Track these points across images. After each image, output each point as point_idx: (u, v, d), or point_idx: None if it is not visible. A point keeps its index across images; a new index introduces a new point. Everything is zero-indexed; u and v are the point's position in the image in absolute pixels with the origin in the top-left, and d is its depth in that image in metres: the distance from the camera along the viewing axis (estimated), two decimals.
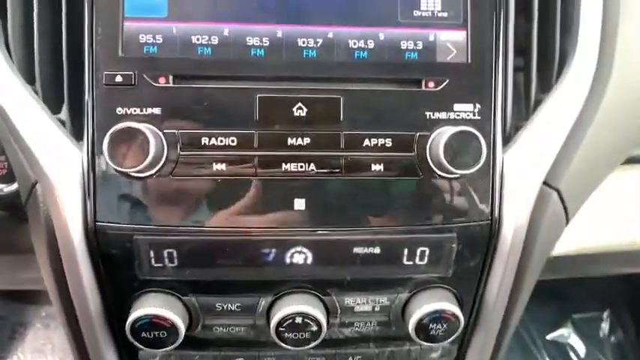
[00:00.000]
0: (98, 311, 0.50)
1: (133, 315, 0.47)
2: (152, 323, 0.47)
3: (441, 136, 0.46)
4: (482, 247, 0.50)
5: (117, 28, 0.47)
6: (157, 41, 0.47)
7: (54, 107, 0.50)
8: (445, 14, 0.49)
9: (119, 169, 0.44)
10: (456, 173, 0.46)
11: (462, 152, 0.45)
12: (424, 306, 0.50)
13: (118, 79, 0.46)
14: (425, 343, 0.51)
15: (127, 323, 0.47)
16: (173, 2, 0.47)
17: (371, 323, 0.53)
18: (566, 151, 0.51)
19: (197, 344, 0.53)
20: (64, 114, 0.50)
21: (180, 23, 0.47)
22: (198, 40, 0.47)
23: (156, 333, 0.48)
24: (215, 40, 0.47)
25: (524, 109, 0.54)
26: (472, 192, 0.49)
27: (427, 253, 0.50)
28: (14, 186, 0.57)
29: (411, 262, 0.50)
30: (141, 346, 0.49)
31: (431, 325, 0.50)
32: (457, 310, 0.50)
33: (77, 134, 0.49)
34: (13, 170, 0.54)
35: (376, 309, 0.52)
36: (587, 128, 0.52)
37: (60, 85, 0.50)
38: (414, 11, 0.49)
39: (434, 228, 0.49)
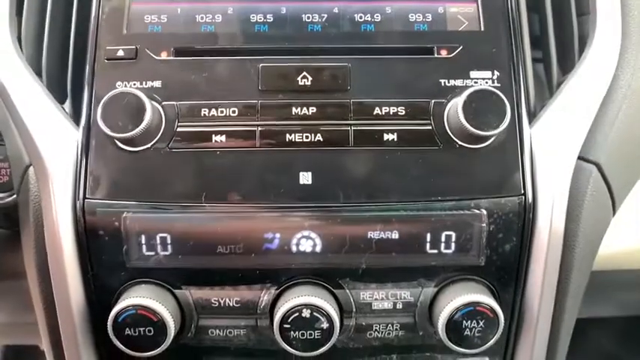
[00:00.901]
0: (80, 306, 0.44)
1: (117, 306, 0.41)
2: (138, 316, 0.41)
3: (460, 97, 0.42)
4: (517, 227, 0.43)
5: (123, 10, 0.47)
6: (162, 20, 0.47)
7: (58, 98, 0.49)
8: None
9: (112, 134, 0.41)
10: (480, 135, 0.41)
11: (484, 110, 0.41)
12: (456, 299, 0.42)
13: (120, 53, 0.45)
14: (459, 349, 0.43)
15: (110, 316, 0.41)
16: None
17: (393, 327, 0.45)
18: (600, 125, 0.46)
19: (188, 354, 0.46)
20: (67, 106, 0.50)
21: (184, 4, 0.47)
22: (202, 18, 0.47)
23: (141, 330, 0.41)
24: (219, 18, 0.47)
25: (547, 92, 0.51)
26: (499, 163, 0.44)
27: (453, 235, 0.43)
28: (14, 196, 0.55)
29: (435, 249, 0.44)
30: (123, 348, 0.42)
31: (465, 322, 0.42)
32: (495, 304, 0.42)
33: (78, 122, 0.47)
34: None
35: (398, 306, 0.45)
36: (621, 101, 0.47)
37: (65, 79, 0.50)
38: None
39: (457, 204, 0.43)
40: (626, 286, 0.74)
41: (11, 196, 0.57)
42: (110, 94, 0.42)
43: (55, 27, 0.51)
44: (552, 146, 0.46)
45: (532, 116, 0.48)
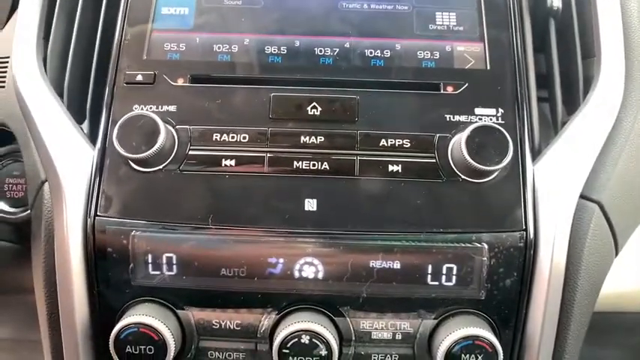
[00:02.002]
0: (84, 322, 0.45)
1: (120, 323, 0.42)
2: (140, 334, 0.41)
3: (463, 132, 0.43)
4: (518, 262, 0.44)
5: (144, 37, 0.49)
6: (181, 49, 0.49)
7: (77, 118, 0.51)
8: (461, 28, 0.50)
9: (126, 154, 0.42)
10: (482, 170, 0.42)
11: (486, 146, 0.42)
12: (455, 331, 0.42)
13: (139, 78, 0.48)
14: None
15: (112, 333, 0.42)
16: (199, 15, 0.50)
17: (391, 357, 0.45)
18: (603, 164, 0.47)
19: None
20: (85, 126, 0.52)
21: (203, 34, 0.50)
22: (219, 48, 0.49)
23: (142, 348, 0.42)
24: (235, 49, 0.49)
25: (553, 130, 0.52)
26: (501, 197, 0.44)
27: (454, 268, 0.44)
28: (28, 212, 0.56)
29: (436, 281, 0.44)
30: None
31: (464, 356, 0.42)
32: (494, 339, 0.42)
33: (95, 142, 0.49)
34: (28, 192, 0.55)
35: (397, 337, 0.45)
36: (624, 142, 0.48)
37: (85, 100, 0.52)
38: (430, 25, 0.50)
39: (459, 237, 0.44)
40: (630, 329, 0.73)
41: (25, 211, 0.59)
42: (126, 116, 0.43)
43: (78, 51, 0.53)
44: (555, 183, 0.46)
45: (536, 153, 0.49)
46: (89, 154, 0.47)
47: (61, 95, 0.52)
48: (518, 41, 0.50)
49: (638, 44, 0.52)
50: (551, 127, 0.53)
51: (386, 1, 0.51)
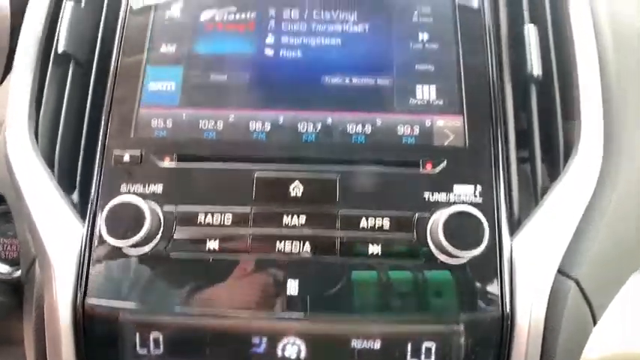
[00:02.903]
0: None
1: None
2: None
3: (441, 216, 0.45)
4: (495, 343, 0.45)
5: (132, 115, 0.51)
6: (167, 126, 0.50)
7: (67, 189, 0.53)
8: (441, 102, 0.51)
9: (113, 241, 0.44)
10: (458, 256, 0.44)
11: (462, 233, 0.43)
12: None
13: (126, 158, 0.49)
14: None
15: None
16: (185, 92, 0.51)
17: None
18: (580, 238, 0.48)
19: None
20: (75, 196, 0.53)
21: (189, 110, 0.51)
22: (205, 125, 0.50)
23: None
24: (220, 125, 0.50)
25: (533, 198, 0.53)
26: (478, 279, 0.45)
27: (433, 347, 0.45)
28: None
29: (415, 357, 0.45)
30: None
31: None
32: None
33: (84, 215, 0.50)
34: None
35: None
36: (602, 214, 0.49)
37: (75, 169, 0.53)
38: (410, 99, 0.51)
39: (437, 319, 0.45)
40: None
41: (18, 270, 0.60)
42: (112, 203, 0.45)
43: (69, 120, 0.54)
44: (533, 259, 0.47)
45: (515, 225, 0.50)
46: (78, 231, 0.48)
47: (52, 164, 0.53)
48: (498, 114, 0.51)
49: (618, 113, 0.53)
50: (532, 192, 0.54)
51: (367, 74, 0.52)
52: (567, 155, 0.53)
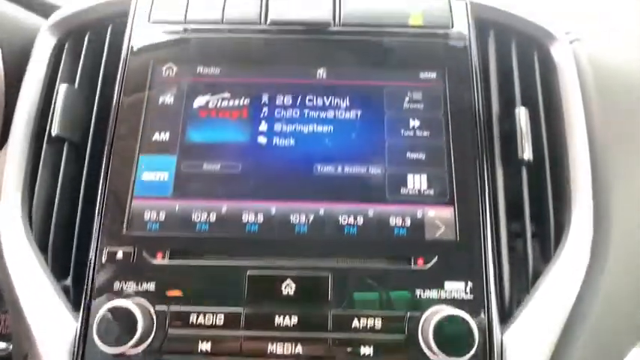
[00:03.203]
0: None
1: None
2: None
3: (432, 317, 0.45)
4: None
5: (125, 207, 0.51)
6: (160, 218, 0.51)
7: (61, 275, 0.53)
8: (432, 192, 0.51)
9: (105, 348, 0.44)
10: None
11: (453, 339, 0.43)
12: None
13: (119, 255, 0.49)
14: None
15: None
16: (177, 182, 0.52)
17: None
18: (570, 330, 0.48)
19: None
20: (69, 281, 0.53)
21: (182, 201, 0.51)
22: (197, 217, 0.51)
23: None
24: (213, 217, 0.51)
25: (525, 279, 0.53)
26: None
27: None
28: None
29: None
30: None
31: None
32: None
33: (77, 304, 0.50)
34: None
35: None
36: (590, 305, 0.50)
37: (69, 256, 0.53)
38: (402, 189, 0.51)
39: None
40: None
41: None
42: (104, 309, 0.45)
43: (63, 206, 0.55)
44: (523, 354, 0.48)
45: (507, 314, 0.50)
46: (71, 327, 0.48)
47: (45, 248, 0.53)
48: (489, 203, 0.52)
49: (608, 190, 0.54)
50: (524, 272, 0.54)
51: (359, 163, 0.52)
52: (558, 234, 0.53)
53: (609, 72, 0.60)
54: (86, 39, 0.61)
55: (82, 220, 0.54)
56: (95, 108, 0.57)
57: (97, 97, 0.57)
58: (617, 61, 0.61)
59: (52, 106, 0.57)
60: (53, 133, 0.56)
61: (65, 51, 0.61)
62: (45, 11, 0.69)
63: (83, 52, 0.60)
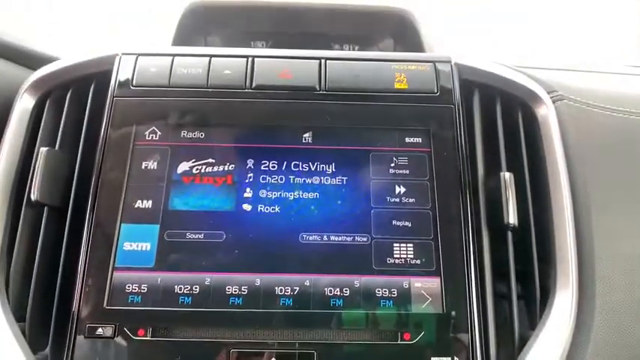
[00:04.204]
0: None
1: None
2: None
3: None
4: None
5: (105, 280, 0.50)
6: (142, 291, 0.50)
7: (39, 345, 0.51)
8: (418, 261, 0.51)
9: None
10: None
11: None
12: None
13: (99, 331, 0.48)
14: None
15: None
16: (160, 253, 0.51)
17: None
18: None
19: None
20: (47, 351, 0.51)
21: (165, 273, 0.50)
22: (180, 289, 0.50)
23: None
24: (196, 289, 0.50)
25: (511, 345, 0.53)
26: None
27: None
28: None
29: None
30: None
31: None
32: None
33: None
34: None
35: None
36: None
37: (47, 326, 0.52)
38: (388, 259, 0.51)
39: None
40: None
41: None
42: None
43: (42, 270, 0.53)
44: None
45: None
46: None
47: (22, 319, 0.52)
48: (475, 272, 0.51)
49: (591, 253, 0.54)
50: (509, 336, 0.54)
51: (345, 232, 0.52)
52: (544, 296, 0.53)
53: (594, 130, 0.61)
54: (67, 98, 0.60)
55: (62, 289, 0.52)
56: (77, 171, 0.56)
57: (78, 160, 0.56)
58: (602, 119, 0.62)
59: (32, 169, 0.56)
60: (33, 198, 0.54)
61: (45, 110, 0.59)
62: (31, 64, 0.68)
63: (64, 112, 0.59)
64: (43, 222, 0.55)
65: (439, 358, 0.47)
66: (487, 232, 0.55)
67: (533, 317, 0.54)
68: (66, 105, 0.59)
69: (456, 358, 0.47)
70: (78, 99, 0.60)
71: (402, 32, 0.89)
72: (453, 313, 0.49)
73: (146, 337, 0.48)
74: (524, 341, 0.52)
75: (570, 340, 0.51)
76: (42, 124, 0.59)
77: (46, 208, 0.55)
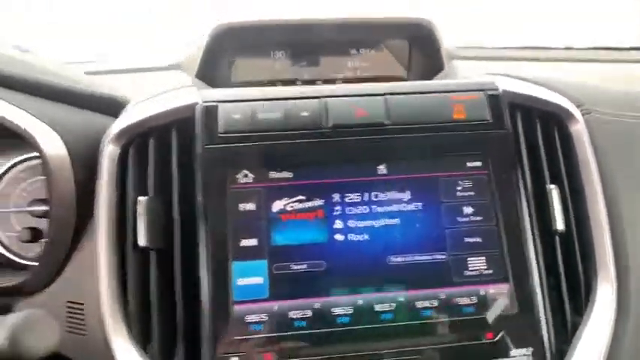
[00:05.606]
0: None
1: None
2: None
3: None
4: None
5: (227, 313, 0.57)
6: (262, 319, 0.57)
7: None
8: (490, 271, 0.61)
9: None
10: None
11: None
12: None
13: (234, 359, 0.55)
14: None
15: None
16: (272, 285, 0.58)
17: None
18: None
19: None
20: None
21: (279, 302, 0.58)
22: (294, 315, 0.58)
23: None
24: (309, 314, 0.58)
25: (564, 332, 0.64)
26: None
27: None
28: None
29: None
30: None
31: None
32: None
33: None
34: None
35: None
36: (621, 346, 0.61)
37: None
38: (464, 271, 0.60)
39: None
40: None
41: None
42: None
43: (160, 312, 0.59)
44: None
45: None
46: None
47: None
48: (536, 276, 0.61)
49: (627, 254, 0.65)
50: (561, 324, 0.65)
51: (426, 252, 0.61)
52: (587, 289, 0.64)
53: (620, 138, 0.70)
54: (152, 146, 0.64)
55: (185, 326, 0.59)
56: (177, 216, 0.62)
57: (176, 206, 0.62)
58: (625, 127, 0.72)
59: (133, 216, 0.62)
60: (141, 244, 0.60)
61: (130, 159, 0.64)
62: (111, 110, 0.72)
63: (152, 161, 0.64)
64: (152, 265, 0.61)
65: (518, 350, 0.58)
66: (539, 238, 0.65)
67: (577, 306, 0.64)
68: (152, 154, 0.64)
69: (531, 347, 0.58)
70: (160, 146, 0.65)
71: (419, 38, 0.95)
72: (524, 311, 0.59)
73: None
74: (575, 327, 0.63)
75: (614, 318, 0.62)
76: (130, 172, 0.63)
77: (151, 252, 0.61)
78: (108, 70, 1.03)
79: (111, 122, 0.67)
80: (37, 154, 0.66)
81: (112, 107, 0.73)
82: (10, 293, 0.67)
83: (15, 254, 0.76)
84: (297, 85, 1.01)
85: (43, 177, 0.73)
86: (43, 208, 0.74)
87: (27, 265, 0.75)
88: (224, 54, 0.96)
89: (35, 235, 0.75)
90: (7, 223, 0.76)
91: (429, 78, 1.02)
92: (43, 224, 0.71)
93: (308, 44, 1.03)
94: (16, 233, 0.76)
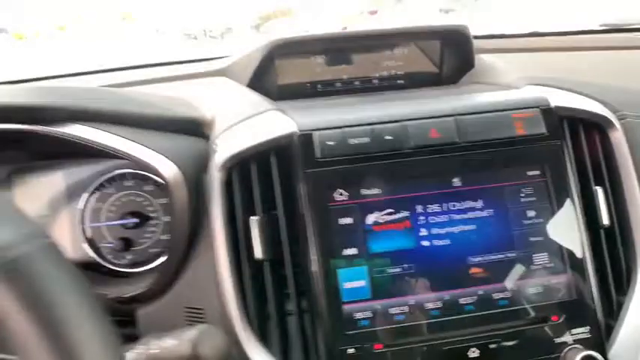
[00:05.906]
0: None
1: None
2: None
3: (572, 354, 0.67)
4: None
5: (340, 312, 0.68)
6: (368, 316, 0.68)
7: None
8: (552, 265, 0.72)
9: None
10: None
11: None
12: None
13: (350, 351, 0.67)
14: None
15: None
16: (373, 287, 0.69)
17: None
18: None
19: None
20: None
21: (381, 301, 0.69)
22: (394, 311, 0.69)
23: None
24: (406, 309, 0.69)
25: (610, 311, 0.76)
26: None
27: None
28: None
29: None
30: None
31: None
32: None
33: None
34: None
35: None
36: None
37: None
38: (531, 266, 0.72)
39: None
40: None
41: None
42: None
43: (277, 315, 0.71)
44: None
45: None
46: None
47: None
48: (590, 266, 0.73)
49: None
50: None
51: (499, 251, 0.72)
52: (628, 274, 0.77)
53: None
54: (254, 173, 0.74)
55: (300, 326, 0.71)
56: (285, 232, 0.72)
57: (284, 223, 0.72)
58: None
59: (242, 231, 0.72)
60: (259, 258, 0.71)
61: (236, 184, 0.74)
62: (198, 131, 0.81)
63: (257, 185, 0.73)
64: (266, 274, 0.71)
65: (579, 328, 0.70)
66: (587, 233, 0.76)
67: (621, 288, 0.77)
68: (255, 179, 0.74)
69: (588, 326, 0.70)
70: (260, 171, 0.74)
71: (453, 41, 1.03)
72: (583, 297, 0.71)
73: (382, 349, 0.67)
74: (619, 305, 0.75)
75: None
76: (236, 195, 0.73)
77: (265, 263, 0.71)
78: (151, 80, 1.08)
79: (199, 142, 0.78)
80: (120, 171, 0.83)
81: (194, 128, 0.81)
82: (129, 301, 0.78)
83: (111, 263, 0.86)
84: (336, 85, 1.08)
85: (126, 192, 0.85)
86: (134, 220, 0.85)
87: (128, 272, 0.85)
88: (272, 63, 1.03)
89: (126, 244, 0.86)
90: (100, 235, 0.86)
91: (460, 75, 1.10)
92: (129, 234, 0.85)
93: (343, 51, 1.10)
94: (109, 244, 0.86)
